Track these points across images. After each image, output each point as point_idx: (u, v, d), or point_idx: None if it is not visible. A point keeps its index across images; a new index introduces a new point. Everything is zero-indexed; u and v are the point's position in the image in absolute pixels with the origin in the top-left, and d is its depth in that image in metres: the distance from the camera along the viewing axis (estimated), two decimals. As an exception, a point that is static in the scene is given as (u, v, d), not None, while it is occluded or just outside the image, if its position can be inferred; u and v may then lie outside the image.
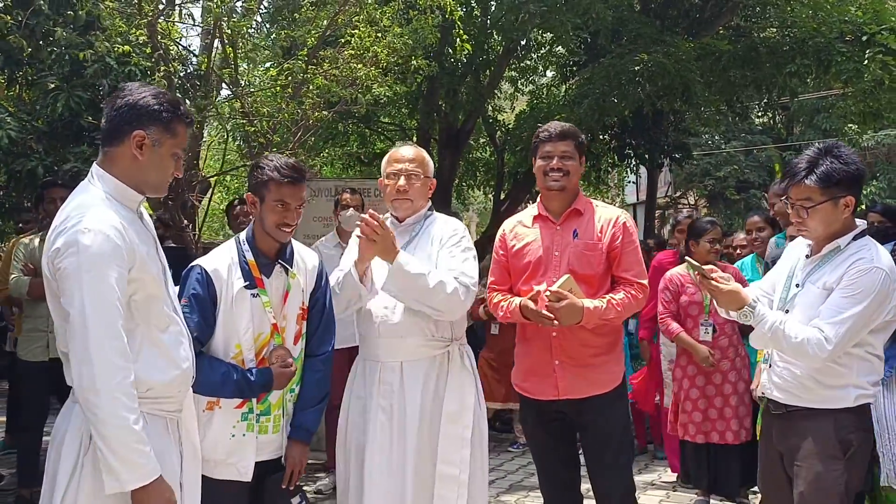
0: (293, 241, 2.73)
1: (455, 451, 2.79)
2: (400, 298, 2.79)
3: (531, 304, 2.87)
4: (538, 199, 3.17)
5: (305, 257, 2.75)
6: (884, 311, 2.41)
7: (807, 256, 2.58)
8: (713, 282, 2.51)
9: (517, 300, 2.97)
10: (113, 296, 1.90)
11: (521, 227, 3.12)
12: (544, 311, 2.83)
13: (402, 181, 2.92)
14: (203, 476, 2.35)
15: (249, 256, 2.60)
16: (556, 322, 2.82)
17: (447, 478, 2.76)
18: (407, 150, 3.01)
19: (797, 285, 2.56)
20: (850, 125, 13.18)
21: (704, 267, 2.59)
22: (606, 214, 3.05)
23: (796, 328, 2.41)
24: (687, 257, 2.54)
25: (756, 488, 4.48)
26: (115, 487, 1.89)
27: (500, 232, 3.22)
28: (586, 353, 2.97)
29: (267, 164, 2.60)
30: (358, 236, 2.78)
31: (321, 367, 2.74)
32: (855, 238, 2.49)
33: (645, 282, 3.02)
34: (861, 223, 2.53)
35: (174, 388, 2.09)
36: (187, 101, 5.15)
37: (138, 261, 1.98)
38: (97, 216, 1.93)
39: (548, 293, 2.83)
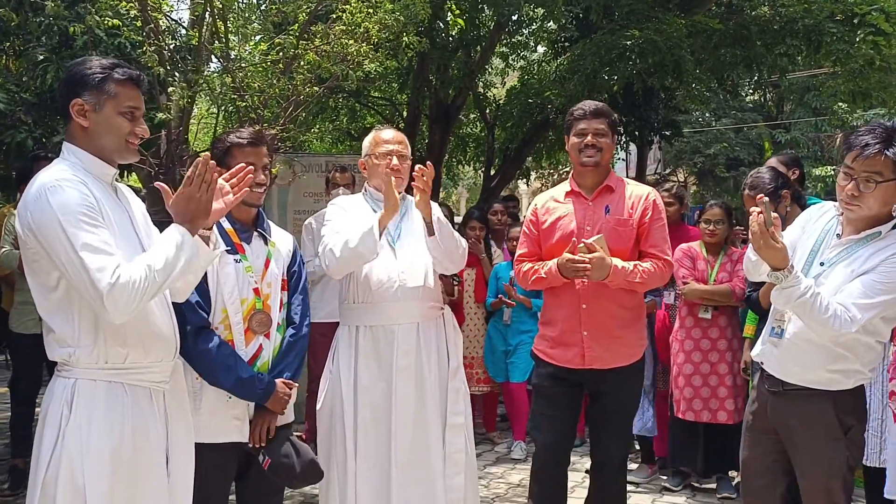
0: (270, 222, 2.86)
1: (459, 403, 3.10)
2: (436, 248, 2.98)
3: (568, 256, 3.02)
4: (570, 176, 3.31)
5: (282, 236, 2.89)
6: None
7: (837, 236, 2.52)
8: (770, 235, 2.35)
9: (551, 262, 3.12)
10: (93, 218, 1.97)
11: (553, 203, 3.28)
12: (578, 257, 2.98)
13: (395, 161, 3.07)
14: (204, 444, 2.43)
15: (227, 225, 2.69)
16: (589, 269, 2.96)
17: (457, 426, 3.07)
18: (392, 133, 3.18)
19: (821, 264, 2.51)
20: (839, 104, 13.22)
21: (773, 214, 2.41)
22: (637, 191, 3.21)
23: (826, 300, 2.36)
24: (766, 198, 2.36)
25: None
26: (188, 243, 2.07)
27: (531, 206, 3.39)
28: (613, 324, 3.12)
29: (225, 135, 2.78)
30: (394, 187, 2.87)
31: (297, 333, 2.81)
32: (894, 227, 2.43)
33: (670, 258, 3.17)
34: None
35: (154, 358, 2.14)
36: (176, 75, 5.14)
37: (107, 225, 2.03)
38: (60, 177, 2.01)
39: (581, 245, 3.00)
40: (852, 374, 2.48)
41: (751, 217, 2.38)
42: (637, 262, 3.08)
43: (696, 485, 4.70)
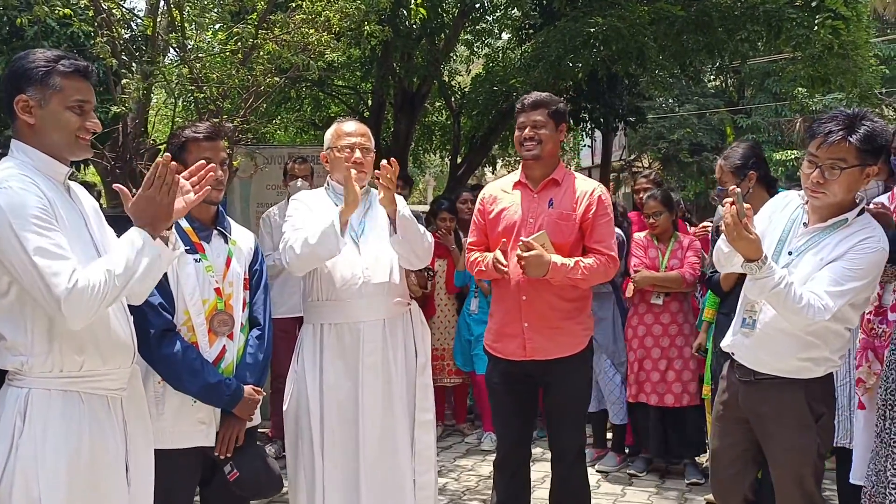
0: (230, 220, 2.78)
1: (428, 399, 3.10)
2: (401, 245, 2.92)
3: (498, 255, 3.04)
4: (521, 166, 3.29)
5: (243, 234, 2.81)
6: (872, 290, 2.49)
7: (804, 224, 2.53)
8: (744, 227, 2.32)
9: (491, 255, 3.12)
10: (46, 220, 1.89)
11: (501, 193, 3.27)
12: (502, 259, 2.99)
13: (357, 154, 3.01)
14: (167, 450, 2.37)
15: (185, 224, 2.60)
16: (506, 272, 2.98)
17: (425, 423, 3.07)
18: (355, 125, 3.11)
19: (790, 253, 2.52)
20: (799, 89, 13.39)
21: (745, 206, 2.35)
22: (583, 186, 3.18)
23: (800, 290, 2.36)
24: (738, 189, 2.35)
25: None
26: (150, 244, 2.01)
27: (480, 196, 3.38)
28: (553, 316, 3.11)
29: (181, 130, 2.69)
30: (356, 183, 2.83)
31: (262, 335, 2.74)
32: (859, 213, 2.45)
33: (615, 254, 3.16)
34: (859, 196, 2.49)
35: (112, 365, 2.06)
36: (133, 66, 4.99)
37: (60, 226, 1.94)
38: (7, 176, 1.92)
39: (520, 242, 2.97)
40: (822, 362, 2.51)
41: (723, 209, 2.37)
42: (580, 258, 3.08)
43: (663, 468, 4.74)
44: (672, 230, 4.69)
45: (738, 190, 2.38)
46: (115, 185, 2.16)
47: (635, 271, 4.60)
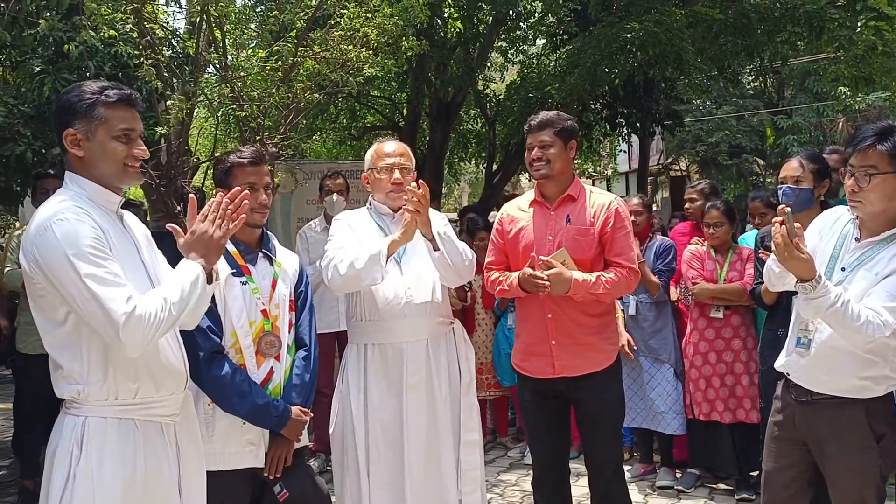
0: (275, 242, 2.81)
1: (473, 419, 3.07)
2: (444, 265, 2.93)
3: (529, 271, 3.01)
4: (536, 185, 3.28)
5: (288, 256, 2.84)
6: None
7: (856, 239, 2.48)
8: (795, 246, 2.26)
9: (514, 274, 3.10)
10: (101, 250, 1.92)
11: (518, 212, 3.26)
12: (538, 273, 2.97)
13: (397, 174, 3.03)
14: (217, 471, 2.40)
15: (231, 247, 2.63)
16: (547, 286, 2.95)
17: (471, 443, 3.04)
18: (395, 146, 3.13)
19: (843, 269, 2.47)
20: (842, 88, 13.11)
21: (796, 224, 2.31)
22: (599, 200, 3.16)
23: (857, 307, 2.29)
24: (788, 208, 2.27)
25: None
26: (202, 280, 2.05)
27: (498, 216, 3.37)
28: (580, 332, 3.10)
29: (226, 156, 2.73)
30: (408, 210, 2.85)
31: (309, 356, 2.76)
32: None
33: (636, 266, 3.14)
34: None
35: (165, 392, 2.09)
36: (174, 82, 5.08)
37: (114, 255, 1.98)
38: (63, 208, 1.95)
39: (540, 262, 2.98)
40: (883, 381, 2.44)
41: (773, 229, 2.31)
42: (601, 272, 3.05)
43: (713, 486, 4.65)
44: (730, 242, 4.57)
45: (788, 209, 2.32)
46: (169, 225, 2.20)
47: (693, 284, 4.47)
